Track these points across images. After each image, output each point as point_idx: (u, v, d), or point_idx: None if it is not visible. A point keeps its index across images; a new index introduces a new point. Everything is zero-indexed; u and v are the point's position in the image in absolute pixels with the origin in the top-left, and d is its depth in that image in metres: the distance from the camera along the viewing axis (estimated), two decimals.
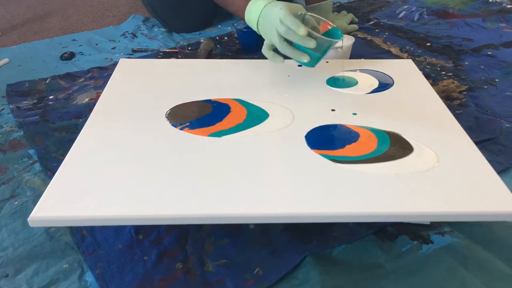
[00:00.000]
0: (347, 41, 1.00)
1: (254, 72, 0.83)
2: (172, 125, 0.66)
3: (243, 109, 0.70)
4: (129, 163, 0.58)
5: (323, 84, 0.78)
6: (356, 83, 0.78)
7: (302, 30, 0.67)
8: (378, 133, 0.64)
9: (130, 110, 0.70)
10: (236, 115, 0.68)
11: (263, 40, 1.04)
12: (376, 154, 0.59)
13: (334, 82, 0.79)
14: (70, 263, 0.56)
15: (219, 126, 0.65)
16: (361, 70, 0.83)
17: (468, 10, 1.33)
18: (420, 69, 0.83)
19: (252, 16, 0.79)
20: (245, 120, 0.67)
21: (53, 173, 0.55)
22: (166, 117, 0.68)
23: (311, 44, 0.68)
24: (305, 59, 0.71)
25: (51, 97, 0.95)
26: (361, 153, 0.59)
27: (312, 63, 0.75)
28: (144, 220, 0.51)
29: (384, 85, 0.78)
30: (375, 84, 0.78)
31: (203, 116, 0.68)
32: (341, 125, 0.66)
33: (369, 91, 0.75)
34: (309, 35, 0.68)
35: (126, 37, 1.26)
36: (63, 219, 0.50)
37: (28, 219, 0.49)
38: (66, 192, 0.53)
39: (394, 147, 0.60)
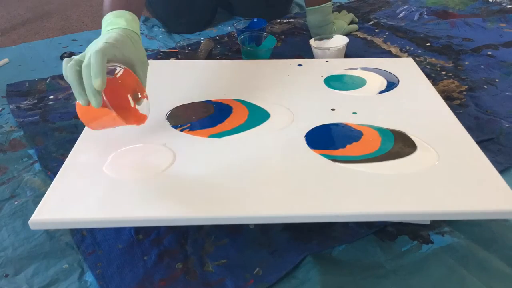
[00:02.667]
0: (340, 42, 1.00)
1: (254, 72, 0.83)
2: (172, 126, 0.66)
3: (245, 109, 0.70)
4: (129, 165, 0.58)
5: (323, 84, 0.78)
6: (365, 83, 0.78)
7: (98, 83, 0.51)
8: (382, 131, 0.64)
9: None
10: (238, 116, 0.68)
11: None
12: (379, 153, 0.59)
13: (340, 82, 0.78)
14: (70, 263, 0.56)
15: (220, 127, 0.65)
16: (363, 68, 0.83)
17: (468, 10, 1.33)
18: (420, 69, 0.83)
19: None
20: (246, 120, 0.67)
21: (53, 173, 0.55)
22: (166, 119, 0.68)
23: (93, 102, 0.53)
24: (82, 101, 0.54)
25: (51, 97, 0.95)
26: (363, 153, 0.59)
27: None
28: (145, 222, 0.51)
29: (391, 84, 0.77)
30: (384, 84, 0.77)
31: (205, 117, 0.68)
32: (342, 124, 0.66)
33: (378, 92, 0.75)
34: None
35: None
36: (64, 222, 0.50)
37: (29, 222, 0.49)
38: (66, 194, 0.53)
39: (398, 145, 0.60)
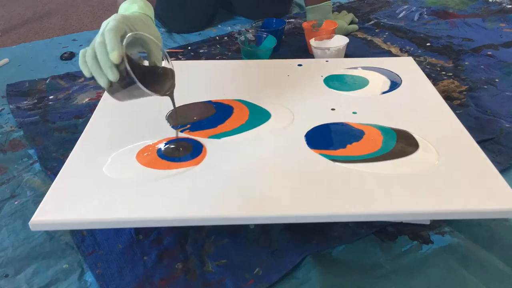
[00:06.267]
0: (340, 42, 1.00)
1: (254, 72, 0.83)
2: (172, 127, 0.66)
3: (246, 109, 0.70)
4: (129, 166, 0.58)
5: (323, 84, 0.78)
6: (367, 83, 0.77)
7: (114, 56, 0.51)
8: (385, 130, 0.63)
9: (130, 112, 0.70)
10: (239, 116, 0.68)
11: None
12: (381, 153, 0.59)
13: (341, 82, 0.78)
14: (70, 263, 0.56)
15: (221, 128, 0.65)
16: (364, 68, 0.82)
17: (468, 10, 1.33)
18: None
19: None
20: (247, 120, 0.67)
21: (53, 173, 0.55)
22: (166, 119, 0.68)
23: (110, 75, 0.52)
24: (102, 83, 0.54)
25: (51, 97, 0.95)
26: (364, 152, 0.59)
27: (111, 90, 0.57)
28: (145, 222, 0.51)
29: (394, 84, 0.77)
30: (387, 83, 0.77)
31: (206, 118, 0.68)
32: (343, 124, 0.66)
33: (381, 92, 0.74)
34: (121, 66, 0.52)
35: None
36: (64, 223, 0.50)
37: (29, 223, 0.49)
38: (66, 196, 0.53)
39: (400, 145, 0.60)
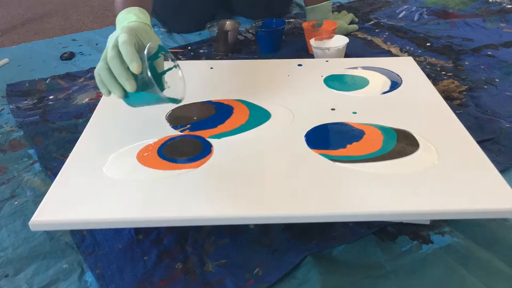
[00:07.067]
0: (340, 42, 1.00)
1: (254, 72, 0.83)
2: (172, 127, 0.66)
3: (246, 109, 0.70)
4: (129, 166, 0.58)
5: (323, 84, 0.78)
6: (368, 83, 0.77)
7: (135, 67, 0.54)
8: (385, 130, 0.63)
9: (130, 113, 0.70)
10: (239, 116, 0.68)
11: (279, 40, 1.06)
12: (381, 153, 0.58)
13: (341, 82, 0.78)
14: (70, 263, 0.56)
15: (221, 128, 0.65)
16: (364, 67, 0.82)
17: (468, 10, 1.33)
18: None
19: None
20: (247, 120, 0.67)
21: (53, 173, 0.55)
22: (166, 119, 0.68)
23: (128, 87, 0.54)
24: (118, 93, 0.56)
25: (51, 97, 0.95)
26: (364, 152, 0.59)
27: (131, 100, 0.59)
28: (145, 222, 0.51)
29: (394, 84, 0.77)
30: (388, 83, 0.77)
31: (206, 118, 0.68)
32: (343, 124, 0.66)
33: (382, 93, 0.74)
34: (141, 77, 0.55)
35: None
36: (64, 223, 0.50)
37: (29, 223, 0.50)
38: (66, 195, 0.53)
39: (400, 144, 0.60)
